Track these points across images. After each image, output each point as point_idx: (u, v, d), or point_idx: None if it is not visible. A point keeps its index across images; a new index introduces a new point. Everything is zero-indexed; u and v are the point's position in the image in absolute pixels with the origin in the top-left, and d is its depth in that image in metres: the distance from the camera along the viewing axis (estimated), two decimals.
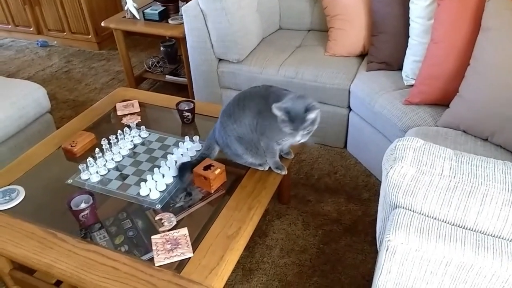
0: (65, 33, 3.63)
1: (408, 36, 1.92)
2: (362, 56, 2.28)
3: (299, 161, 2.20)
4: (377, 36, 2.07)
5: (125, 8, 2.67)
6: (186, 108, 1.75)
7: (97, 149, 1.55)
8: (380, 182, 2.08)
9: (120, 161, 1.56)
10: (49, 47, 3.71)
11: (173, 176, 1.47)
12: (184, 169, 1.44)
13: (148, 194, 1.40)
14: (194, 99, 2.53)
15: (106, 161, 1.54)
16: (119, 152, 1.58)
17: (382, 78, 2.01)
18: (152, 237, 1.24)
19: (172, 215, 1.31)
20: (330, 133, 2.24)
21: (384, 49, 2.06)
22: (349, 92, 2.08)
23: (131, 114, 1.84)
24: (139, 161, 1.56)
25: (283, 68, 2.20)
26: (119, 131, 1.65)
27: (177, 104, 1.77)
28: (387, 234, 0.85)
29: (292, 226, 1.83)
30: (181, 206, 1.36)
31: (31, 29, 3.74)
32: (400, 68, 2.00)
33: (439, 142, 1.55)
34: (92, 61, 3.44)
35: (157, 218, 1.31)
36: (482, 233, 0.86)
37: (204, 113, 1.83)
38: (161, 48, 2.96)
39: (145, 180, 1.43)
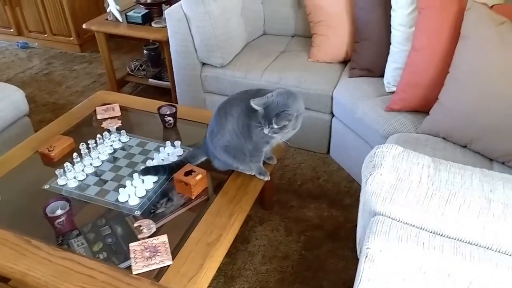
0: (46, 35, 3.57)
1: (390, 43, 1.94)
2: (344, 62, 2.29)
3: (282, 166, 2.20)
4: (359, 43, 2.09)
5: (108, 10, 2.64)
6: (168, 113, 1.73)
7: (75, 154, 1.52)
8: None
9: (99, 166, 1.53)
10: (30, 48, 3.64)
11: (153, 182, 1.44)
12: (153, 169, 1.45)
13: (127, 200, 1.37)
14: (177, 103, 2.51)
15: (85, 166, 1.51)
16: (98, 157, 1.55)
17: (364, 85, 2.03)
18: (130, 244, 1.22)
19: (151, 221, 1.29)
20: (313, 138, 2.25)
21: (366, 56, 2.08)
22: (332, 98, 2.09)
23: (111, 118, 1.81)
24: (118, 166, 1.53)
25: (267, 73, 2.20)
26: (99, 136, 1.62)
27: (159, 108, 1.75)
28: (366, 241, 0.85)
29: (275, 232, 1.82)
30: (161, 212, 1.34)
31: (11, 30, 3.66)
32: (382, 75, 2.02)
33: (419, 149, 1.57)
34: (74, 63, 3.38)
35: (135, 224, 1.28)
36: (460, 240, 0.87)
37: (187, 117, 1.81)
38: (144, 51, 2.93)
39: (124, 186, 1.41)
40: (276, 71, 2.20)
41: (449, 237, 0.87)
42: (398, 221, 0.90)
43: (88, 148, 1.57)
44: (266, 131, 1.29)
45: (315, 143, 2.27)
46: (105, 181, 1.46)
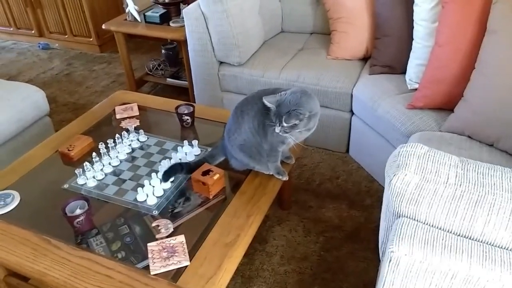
0: (66, 36, 3.62)
1: (412, 39, 1.88)
2: (365, 59, 2.24)
3: (300, 165, 2.17)
4: (380, 39, 2.04)
5: (126, 10, 2.65)
6: (185, 112, 1.73)
7: (94, 153, 1.52)
8: (383, 188, 2.04)
9: (118, 165, 1.53)
10: (51, 49, 3.70)
11: (171, 182, 1.44)
12: (172, 171, 1.42)
13: (145, 200, 1.37)
14: (195, 102, 2.51)
15: (104, 165, 1.51)
16: (116, 156, 1.56)
17: (385, 82, 1.98)
18: (148, 244, 1.21)
19: (169, 221, 1.28)
20: (332, 137, 2.21)
21: (387, 52, 2.02)
22: (352, 96, 2.05)
23: (130, 117, 1.82)
24: (137, 166, 1.53)
25: (285, 71, 2.17)
26: (117, 135, 1.62)
27: (177, 107, 1.75)
28: (390, 244, 0.82)
29: (293, 233, 1.80)
30: (179, 212, 1.33)
31: (33, 31, 3.73)
32: (403, 72, 1.97)
33: (443, 148, 1.51)
34: (93, 63, 3.42)
35: (153, 224, 1.28)
36: (489, 244, 0.83)
37: (204, 116, 1.80)
38: (162, 51, 2.94)
39: (143, 186, 1.40)
40: (295, 69, 2.17)
41: (478, 241, 0.83)
42: (424, 223, 0.86)
43: (107, 147, 1.57)
44: (277, 129, 1.28)
45: (334, 142, 2.23)
46: (124, 181, 1.46)
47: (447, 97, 1.67)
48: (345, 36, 2.20)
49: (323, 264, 1.65)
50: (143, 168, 1.51)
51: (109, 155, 1.56)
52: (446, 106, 1.69)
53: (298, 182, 2.07)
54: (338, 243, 1.74)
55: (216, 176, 1.37)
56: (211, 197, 1.38)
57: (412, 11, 1.84)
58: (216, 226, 1.26)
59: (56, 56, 3.58)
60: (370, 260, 1.67)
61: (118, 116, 1.82)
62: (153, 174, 1.43)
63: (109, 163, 1.53)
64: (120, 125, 1.77)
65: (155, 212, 1.33)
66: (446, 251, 0.79)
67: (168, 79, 2.83)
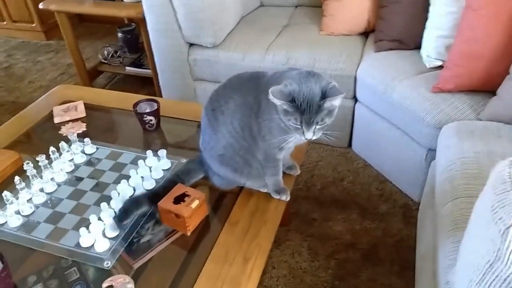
0: (5, 22, 3.09)
1: (428, 5, 1.52)
2: (365, 33, 1.86)
3: None
4: (386, 7, 1.66)
5: None
6: (147, 111, 1.30)
7: (17, 178, 1.07)
8: (398, 189, 1.69)
9: (54, 192, 1.09)
10: None
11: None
12: (130, 210, 0.99)
13: (93, 245, 0.94)
14: (161, 94, 2.07)
15: (33, 194, 1.07)
16: (52, 178, 1.11)
17: (396, 60, 1.60)
18: None
19: (127, 278, 0.86)
20: (331, 129, 1.82)
21: (396, 23, 1.65)
22: (355, 79, 1.67)
23: (73, 121, 1.37)
24: (81, 191, 1.09)
25: (271, 52, 1.76)
26: (52, 148, 1.17)
27: (135, 105, 1.31)
28: None
29: (296, 257, 1.41)
30: (144, 254, 0.92)
31: None
32: (417, 47, 1.60)
33: (492, 143, 1.15)
34: (38, 53, 2.90)
35: (105, 285, 0.85)
36: None
37: (174, 115, 1.38)
38: (119, 34, 2.46)
39: (89, 223, 0.97)
40: (282, 49, 1.76)
41: None
42: None
43: (37, 166, 1.12)
44: (308, 135, 0.89)
45: (333, 135, 1.84)
46: (62, 215, 1.03)
47: (486, 75, 1.31)
48: (341, 6, 1.80)
49: None
50: (90, 195, 1.08)
51: (41, 177, 1.11)
52: (485, 87, 1.33)
53: (295, 188, 1.68)
54: (354, 267, 1.38)
55: (195, 203, 0.96)
56: (189, 233, 0.96)
57: None
58: (199, 281, 0.86)
59: None
60: (397, 287, 1.31)
61: (56, 120, 1.37)
62: (103, 204, 1.00)
63: (42, 190, 1.08)
64: (60, 132, 1.32)
65: (108, 264, 0.91)
66: None
67: (127, 68, 2.36)
